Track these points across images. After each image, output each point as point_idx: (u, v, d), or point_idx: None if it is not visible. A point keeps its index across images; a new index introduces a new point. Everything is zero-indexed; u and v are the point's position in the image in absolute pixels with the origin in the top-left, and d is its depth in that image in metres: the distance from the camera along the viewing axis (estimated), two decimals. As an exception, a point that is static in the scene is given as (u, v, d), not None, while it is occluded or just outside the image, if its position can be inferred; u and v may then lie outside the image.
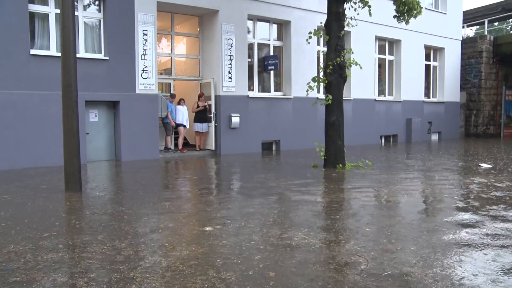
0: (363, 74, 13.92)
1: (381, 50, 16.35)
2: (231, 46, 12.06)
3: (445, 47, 18.26)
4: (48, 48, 9.61)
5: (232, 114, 12.06)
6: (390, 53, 16.65)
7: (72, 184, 6.49)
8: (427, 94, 18.28)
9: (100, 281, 3.07)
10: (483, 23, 21.41)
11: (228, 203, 5.68)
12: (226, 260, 3.46)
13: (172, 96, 11.77)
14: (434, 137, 18.31)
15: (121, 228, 4.47)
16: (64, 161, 6.53)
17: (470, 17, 22.31)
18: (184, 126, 12.01)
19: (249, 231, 4.34)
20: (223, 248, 3.77)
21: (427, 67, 18.17)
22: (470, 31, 21.59)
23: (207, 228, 4.44)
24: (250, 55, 12.95)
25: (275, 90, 13.53)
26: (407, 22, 9.67)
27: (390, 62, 16.70)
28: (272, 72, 13.28)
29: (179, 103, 11.93)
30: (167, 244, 3.91)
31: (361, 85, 14.95)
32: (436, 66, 18.58)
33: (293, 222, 4.71)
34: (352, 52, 9.45)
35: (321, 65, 12.28)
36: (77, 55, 6.89)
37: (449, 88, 18.69)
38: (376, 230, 4.35)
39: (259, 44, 13.16)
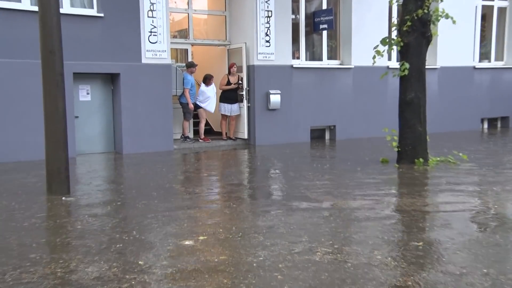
0: (456, 31, 13.09)
1: (487, -6, 15.52)
2: (269, -3, 11.93)
3: None
4: (19, 0, 9.56)
5: (271, 91, 11.92)
6: (501, -3, 15.77)
7: (57, 185, 6.55)
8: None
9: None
10: None
11: (264, 213, 5.67)
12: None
13: (190, 65, 11.64)
14: None
15: (121, 248, 4.44)
16: (46, 155, 6.57)
17: None
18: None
19: (286, 248, 4.33)
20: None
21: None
22: None
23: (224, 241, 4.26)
24: (295, 10, 12.74)
25: (329, 58, 13.29)
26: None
27: (501, 10, 15.68)
28: (325, 32, 13.01)
29: (206, 82, 11.83)
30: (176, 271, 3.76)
31: (453, 47, 14.28)
32: None
33: (351, 238, 4.68)
34: (441, 1, 8.90)
35: (394, 21, 11.72)
36: (61, 11, 6.78)
37: None
38: (468, 254, 4.17)
39: (306, -5, 12.96)
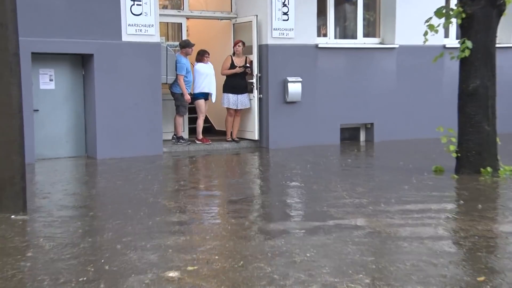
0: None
1: None
2: (288, -43, 11.97)
3: None
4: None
5: (289, 79, 11.99)
6: None
7: (8, 200, 6.55)
8: None
9: None
10: None
11: (274, 236, 5.71)
12: None
13: (185, 45, 11.68)
14: None
15: (85, 283, 4.39)
16: (-6, 160, 6.66)
17: None
18: (206, 98, 11.98)
19: (301, 282, 4.29)
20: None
21: None
22: None
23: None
24: (321, -27, 12.85)
25: (366, 35, 13.40)
26: None
27: None
28: (360, 2, 13.08)
29: (199, 60, 11.92)
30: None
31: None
32: None
33: (388, 271, 4.61)
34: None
35: (453, -14, 11.74)
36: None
37: None
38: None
39: (337, -47, 13.02)
